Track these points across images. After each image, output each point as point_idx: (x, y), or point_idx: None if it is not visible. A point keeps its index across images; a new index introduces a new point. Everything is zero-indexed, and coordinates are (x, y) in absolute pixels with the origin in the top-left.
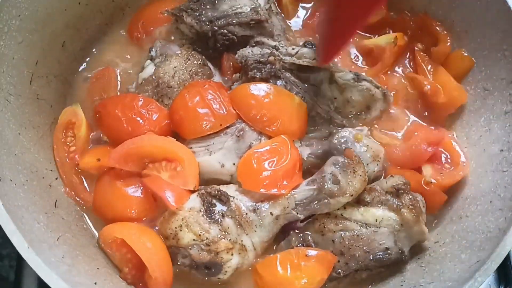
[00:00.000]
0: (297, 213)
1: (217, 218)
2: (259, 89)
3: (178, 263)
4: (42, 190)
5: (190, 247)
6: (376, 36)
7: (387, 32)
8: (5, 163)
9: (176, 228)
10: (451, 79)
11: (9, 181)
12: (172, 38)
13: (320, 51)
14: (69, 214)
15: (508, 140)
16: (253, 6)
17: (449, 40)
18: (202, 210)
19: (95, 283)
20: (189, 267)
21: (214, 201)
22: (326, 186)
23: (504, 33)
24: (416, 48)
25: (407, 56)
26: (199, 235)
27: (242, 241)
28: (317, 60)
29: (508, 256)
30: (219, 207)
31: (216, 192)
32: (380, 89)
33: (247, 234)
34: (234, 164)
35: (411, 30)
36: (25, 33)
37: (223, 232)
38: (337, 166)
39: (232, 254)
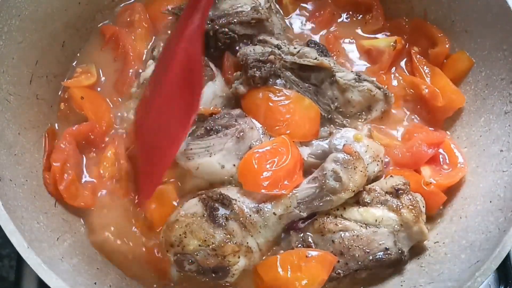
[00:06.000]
0: (300, 212)
1: (221, 222)
2: (275, 95)
3: (186, 269)
4: (42, 190)
5: (196, 252)
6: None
7: (384, 35)
8: (5, 163)
9: (180, 235)
10: (449, 82)
11: (9, 181)
12: None
13: (139, 191)
14: (69, 214)
15: (508, 140)
16: (254, 5)
17: (447, 42)
18: (205, 215)
19: (95, 283)
20: (196, 272)
21: (216, 205)
22: (327, 183)
23: (504, 33)
24: (412, 51)
25: (404, 58)
26: (205, 240)
27: (247, 243)
28: (138, 201)
29: (508, 256)
30: (222, 211)
31: (218, 196)
32: (382, 89)
33: (252, 236)
34: (234, 165)
35: (407, 33)
36: (25, 33)
37: (228, 236)
38: (338, 163)
39: (239, 257)
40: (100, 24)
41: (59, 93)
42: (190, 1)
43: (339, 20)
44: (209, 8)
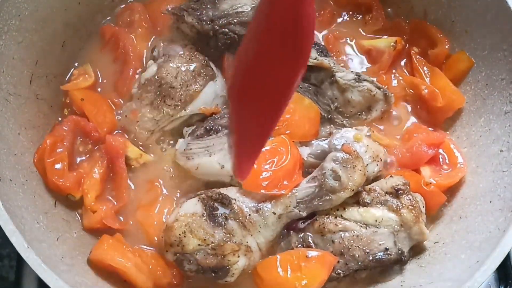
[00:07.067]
0: (299, 211)
1: (220, 221)
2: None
3: (185, 269)
4: (42, 190)
5: (196, 252)
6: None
7: (384, 36)
8: (5, 163)
9: (180, 234)
10: (448, 82)
11: (9, 181)
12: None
13: (235, 165)
14: (69, 214)
15: (508, 140)
16: (254, 5)
17: (447, 43)
18: (204, 215)
19: (95, 283)
20: (196, 272)
21: (216, 204)
22: (327, 183)
23: (504, 33)
24: (412, 51)
25: (404, 59)
26: (204, 239)
27: (247, 242)
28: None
29: (508, 256)
30: (221, 210)
31: (217, 196)
32: (382, 89)
33: (251, 235)
34: None
35: (406, 34)
36: (25, 33)
37: (228, 235)
38: (337, 162)
39: (238, 256)
40: (100, 24)
41: (61, 99)
42: None
43: (339, 20)
44: None
